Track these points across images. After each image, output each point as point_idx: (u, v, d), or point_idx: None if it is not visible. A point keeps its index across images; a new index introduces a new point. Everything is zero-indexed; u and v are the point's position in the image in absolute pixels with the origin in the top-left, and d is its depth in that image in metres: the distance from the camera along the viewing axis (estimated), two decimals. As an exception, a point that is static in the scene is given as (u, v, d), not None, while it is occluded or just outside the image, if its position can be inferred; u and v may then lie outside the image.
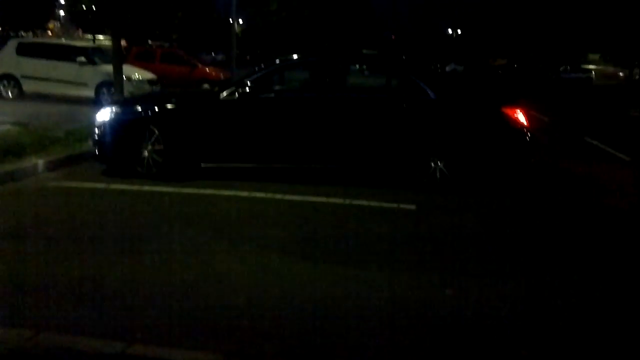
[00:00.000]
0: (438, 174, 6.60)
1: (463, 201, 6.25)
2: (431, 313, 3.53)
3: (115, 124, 6.59)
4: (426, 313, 3.53)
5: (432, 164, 6.60)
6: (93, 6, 10.71)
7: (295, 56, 7.77)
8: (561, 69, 46.37)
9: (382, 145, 6.62)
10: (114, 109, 6.74)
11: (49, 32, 58.43)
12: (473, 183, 6.64)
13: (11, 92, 14.30)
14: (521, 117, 6.69)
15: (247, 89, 6.61)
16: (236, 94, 6.61)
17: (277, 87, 7.19)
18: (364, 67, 8.18)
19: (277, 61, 7.64)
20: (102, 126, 6.65)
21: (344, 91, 6.97)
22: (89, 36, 49.12)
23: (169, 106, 6.71)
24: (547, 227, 5.54)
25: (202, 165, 6.66)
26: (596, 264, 4.57)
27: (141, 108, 6.77)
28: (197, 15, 12.00)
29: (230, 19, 16.80)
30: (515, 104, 6.89)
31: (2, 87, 14.32)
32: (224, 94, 6.66)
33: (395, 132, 6.60)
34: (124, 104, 7.19)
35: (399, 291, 3.81)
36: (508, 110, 6.72)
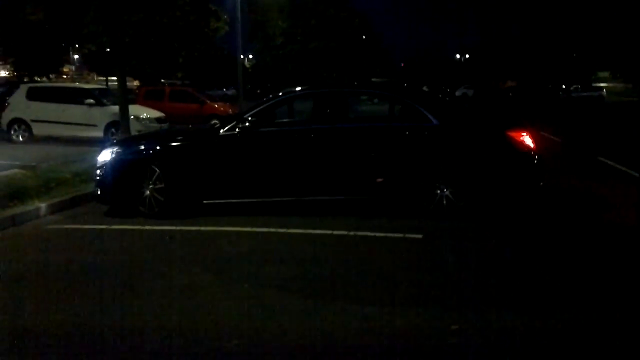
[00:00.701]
0: (444, 201, 6.46)
1: (470, 228, 6.07)
2: (435, 351, 3.36)
3: (116, 165, 6.57)
4: (429, 351, 3.36)
5: (438, 191, 6.46)
6: (101, 48, 10.95)
7: (296, 88, 7.75)
8: (571, 88, 46.13)
9: (386, 174, 6.50)
10: (114, 149, 6.73)
11: (64, 76, 59.78)
12: (480, 209, 6.48)
13: (22, 136, 14.55)
14: (527, 140, 6.55)
15: (247, 124, 6.57)
16: (236, 129, 6.58)
17: (277, 120, 7.14)
18: (363, 97, 8.13)
19: (278, 94, 7.61)
20: (103, 167, 6.64)
21: (345, 121, 6.89)
22: (102, 78, 50.16)
23: (169, 145, 6.70)
24: (559, 254, 5.28)
25: (205, 202, 6.59)
26: (610, 292, 4.34)
27: (141, 148, 6.76)
28: (203, 53, 12.16)
29: (238, 55, 16.97)
30: (521, 126, 6.76)
31: (12, 132, 14.57)
32: (224, 129, 6.62)
33: (399, 160, 6.49)
34: (125, 144, 7.18)
35: (401, 328, 3.64)
36: (513, 134, 6.59)
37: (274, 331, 3.58)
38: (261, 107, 6.85)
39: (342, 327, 3.65)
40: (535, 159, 6.56)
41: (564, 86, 46.83)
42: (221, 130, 6.62)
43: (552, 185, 7.57)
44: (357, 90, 8.08)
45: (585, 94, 44.07)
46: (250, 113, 6.73)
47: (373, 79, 45.93)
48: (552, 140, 14.82)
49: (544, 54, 47.51)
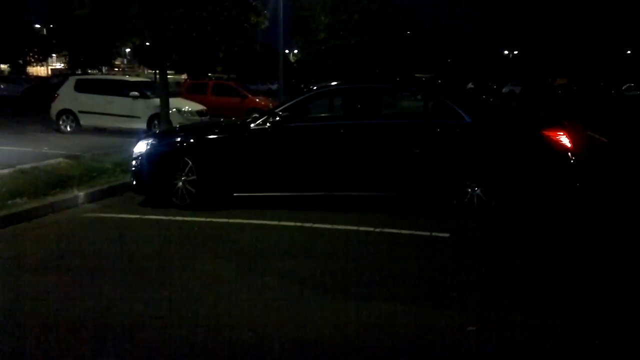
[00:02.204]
0: (475, 200, 6.35)
1: (500, 228, 5.95)
2: (449, 351, 3.33)
3: (151, 156, 6.74)
4: (443, 351, 3.33)
5: (469, 190, 6.36)
6: (143, 42, 11.21)
7: (330, 83, 7.76)
8: (624, 87, 44.38)
9: (417, 172, 6.44)
10: (150, 141, 6.91)
11: (116, 69, 61.64)
12: (512, 209, 6.34)
13: (69, 127, 15.08)
14: (564, 139, 6.36)
15: (278, 118, 6.63)
16: (267, 123, 6.65)
17: (309, 115, 7.16)
18: (396, 93, 8.07)
19: (311, 89, 7.64)
20: (139, 158, 6.82)
21: (376, 117, 6.86)
22: (151, 71, 51.49)
23: (202, 137, 6.82)
24: (589, 257, 5.12)
25: (235, 194, 6.69)
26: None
27: (175, 140, 6.91)
28: (243, 48, 12.31)
29: (279, 50, 17.10)
30: (558, 125, 6.57)
31: (61, 122, 15.12)
32: (255, 123, 6.70)
33: (430, 158, 6.42)
34: (159, 136, 7.36)
35: (418, 326, 3.62)
36: (549, 133, 6.41)
37: (290, 325, 3.62)
38: (292, 101, 6.89)
39: (359, 323, 3.65)
40: (572, 159, 6.36)
41: (621, 86, 45.08)
42: (252, 125, 6.71)
43: (590, 186, 7.33)
44: (388, 86, 8.00)
45: (639, 92, 42.33)
46: (281, 108, 6.79)
47: (417, 75, 45.46)
48: (598, 140, 14.33)
49: (597, 50, 45.84)
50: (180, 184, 6.63)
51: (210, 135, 6.88)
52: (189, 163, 6.61)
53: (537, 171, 6.36)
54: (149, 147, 6.80)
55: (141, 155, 6.80)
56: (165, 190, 6.68)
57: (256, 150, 6.64)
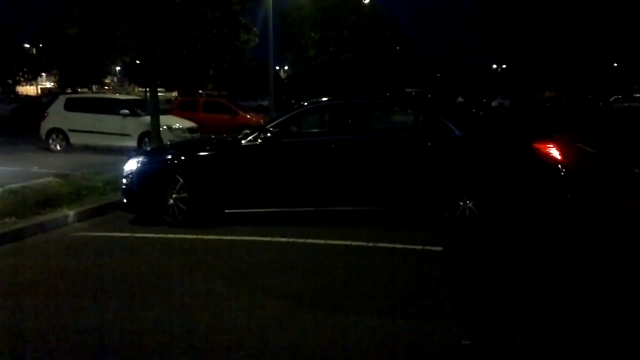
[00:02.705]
0: (467, 213, 6.36)
1: (492, 242, 5.94)
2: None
3: (141, 174, 6.71)
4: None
5: (461, 203, 6.37)
6: (133, 61, 11.20)
7: (321, 99, 7.79)
8: (612, 99, 44.89)
9: (409, 186, 6.45)
10: (140, 159, 6.87)
11: (106, 87, 61.62)
12: (504, 222, 6.35)
13: (59, 145, 15.00)
14: (554, 151, 6.41)
15: (269, 134, 6.63)
16: (258, 139, 6.64)
17: (298, 131, 7.17)
18: (386, 108, 8.11)
19: (301, 105, 7.66)
20: (129, 176, 6.78)
21: (366, 132, 6.88)
22: (141, 89, 51.49)
23: (192, 155, 6.80)
24: (583, 271, 5.11)
25: (226, 211, 6.65)
26: (636, 312, 4.19)
27: (165, 157, 6.89)
28: (233, 65, 12.30)
29: (269, 67, 17.17)
30: (548, 138, 6.62)
31: (51, 141, 15.05)
32: (246, 140, 6.70)
33: (421, 172, 6.43)
34: (150, 154, 7.33)
35: (412, 341, 3.59)
36: (540, 145, 6.45)
37: (282, 342, 3.57)
38: (283, 117, 6.90)
39: (353, 339, 3.62)
40: (562, 171, 6.40)
41: (609, 98, 45.56)
42: (243, 141, 6.70)
43: (580, 198, 7.36)
44: (379, 101, 8.03)
45: (626, 104, 42.82)
46: (272, 124, 6.79)
47: (407, 90, 45.75)
48: (586, 152, 14.44)
49: (584, 64, 46.43)
50: (172, 201, 6.60)
51: (201, 152, 6.86)
52: (179, 180, 6.58)
53: (528, 184, 6.38)
54: (139, 165, 6.77)
55: (132, 173, 6.77)
56: (157, 208, 6.64)
57: (247, 167, 6.63)
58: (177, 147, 7.80)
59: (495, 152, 6.52)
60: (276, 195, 6.62)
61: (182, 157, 6.75)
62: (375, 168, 6.51)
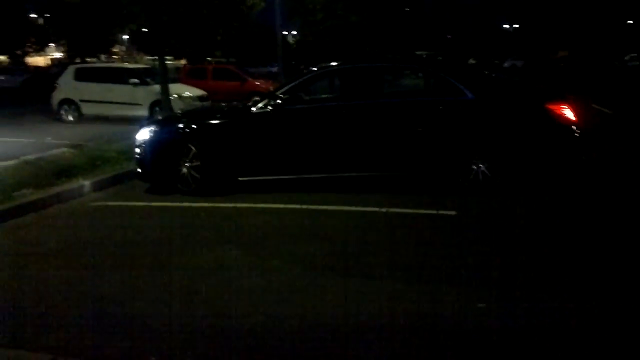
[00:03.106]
0: (480, 177, 6.35)
1: (506, 205, 5.95)
2: (459, 328, 3.35)
3: (154, 143, 6.73)
4: (454, 328, 3.35)
5: (474, 167, 6.35)
6: (140, 28, 11.14)
7: (330, 64, 7.71)
8: (626, 57, 43.94)
9: (421, 150, 6.43)
10: (152, 128, 6.90)
11: (114, 56, 61.27)
12: (518, 184, 6.34)
13: (71, 116, 15.06)
14: (568, 112, 6.33)
15: (279, 100, 6.60)
16: (268, 106, 6.62)
17: (308, 97, 7.12)
18: (397, 71, 8.02)
19: (311, 70, 7.60)
20: (142, 145, 6.82)
21: (378, 97, 6.83)
22: (150, 58, 51.14)
23: (204, 123, 6.81)
24: (595, 234, 5.11)
25: (240, 179, 6.69)
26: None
27: (178, 126, 6.90)
28: (240, 31, 12.17)
29: (277, 32, 16.96)
30: (562, 99, 6.53)
31: (62, 112, 15.11)
32: (256, 107, 6.68)
33: (434, 136, 6.40)
34: (162, 123, 7.34)
35: (426, 305, 3.64)
36: (553, 107, 6.37)
37: (297, 308, 3.64)
38: (293, 83, 6.86)
39: (367, 304, 3.67)
40: (577, 132, 6.33)
41: (623, 57, 44.59)
42: (253, 108, 6.68)
43: (595, 159, 7.30)
44: (389, 65, 7.94)
45: (641, 62, 41.93)
46: (282, 90, 6.76)
47: (417, 52, 45.08)
48: (601, 112, 14.24)
49: (597, 22, 45.31)
50: (185, 170, 6.63)
51: (212, 120, 6.86)
52: (192, 149, 6.60)
53: (541, 145, 6.34)
54: (151, 134, 6.79)
55: (144, 142, 6.79)
56: (170, 176, 6.68)
57: (259, 134, 6.63)
58: (189, 115, 7.80)
59: (508, 114, 6.46)
60: (288, 163, 6.63)
61: (194, 126, 6.76)
62: (387, 133, 6.48)
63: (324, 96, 7.61)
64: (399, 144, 6.46)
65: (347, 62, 7.65)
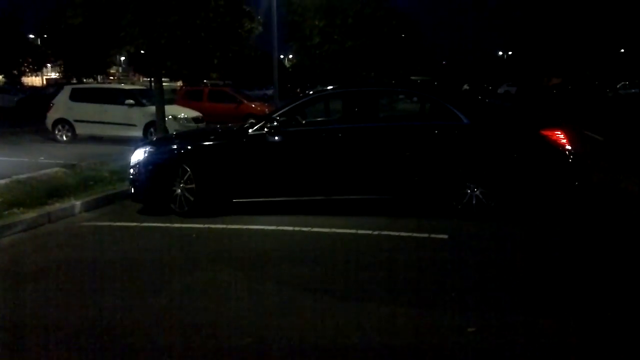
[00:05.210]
0: (474, 201, 6.34)
1: (498, 229, 5.94)
2: (449, 352, 3.31)
3: (149, 164, 6.71)
4: (444, 352, 3.31)
5: (468, 191, 6.35)
6: (138, 50, 11.13)
7: (326, 87, 7.76)
8: (619, 85, 44.50)
9: (416, 174, 6.43)
10: (147, 149, 6.88)
11: (111, 78, 61.54)
12: (511, 209, 6.33)
13: (65, 136, 15.04)
14: (562, 138, 6.37)
15: (275, 123, 6.61)
16: (265, 128, 6.63)
17: (305, 120, 7.15)
18: (393, 96, 8.08)
19: (308, 93, 7.64)
20: (136, 166, 6.79)
21: (373, 120, 6.87)
22: (147, 79, 51.42)
23: (199, 144, 6.80)
24: (587, 257, 5.10)
25: (234, 200, 6.66)
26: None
27: (173, 147, 6.89)
28: (237, 54, 12.22)
29: (273, 55, 17.09)
30: (556, 125, 6.58)
31: (57, 131, 15.09)
32: (253, 129, 6.68)
33: (429, 160, 6.41)
34: (157, 144, 7.32)
35: (417, 328, 3.60)
36: (547, 132, 6.41)
37: (289, 329, 3.59)
38: (290, 106, 6.88)
39: (359, 326, 3.63)
40: (571, 158, 6.36)
41: (616, 85, 45.13)
42: (250, 130, 6.69)
43: (588, 185, 7.32)
44: (386, 89, 8.02)
45: (633, 91, 42.43)
46: (279, 112, 6.77)
47: (412, 77, 45.52)
48: (593, 139, 14.35)
49: (591, 49, 45.96)
50: (179, 191, 6.60)
51: (208, 141, 6.86)
52: (187, 170, 6.58)
53: (536, 171, 6.36)
54: (146, 155, 6.77)
55: (139, 163, 6.77)
56: (164, 197, 6.65)
57: (254, 156, 6.62)
58: (184, 136, 7.79)
59: (503, 139, 6.49)
60: (284, 185, 6.62)
61: (189, 147, 6.75)
62: (382, 156, 6.49)
63: (320, 119, 7.64)
64: (394, 167, 6.46)
65: (344, 85, 7.70)
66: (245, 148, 6.64)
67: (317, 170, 6.58)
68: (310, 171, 6.59)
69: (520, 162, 6.34)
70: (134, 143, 12.22)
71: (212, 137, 7.04)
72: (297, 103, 6.94)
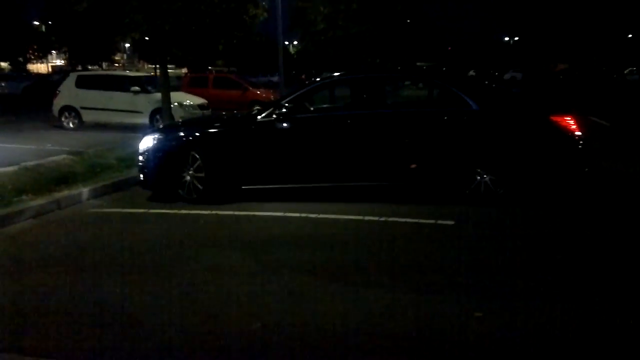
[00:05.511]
0: (483, 187, 6.33)
1: (504, 215, 5.95)
2: (457, 337, 3.34)
3: (158, 151, 6.72)
4: (451, 337, 3.34)
5: (478, 177, 6.33)
6: (143, 37, 11.11)
7: (334, 74, 7.73)
8: (626, 71, 44.12)
9: (425, 160, 6.43)
10: (156, 136, 6.88)
11: (116, 64, 61.43)
12: (520, 195, 6.32)
13: (72, 123, 15.04)
14: (572, 124, 6.34)
15: (284, 110, 6.59)
16: (273, 115, 6.61)
17: (314, 106, 7.12)
18: (402, 82, 8.04)
19: (316, 80, 7.61)
20: (145, 153, 6.80)
21: (382, 107, 6.84)
22: (152, 66, 51.26)
23: (208, 131, 6.80)
24: (595, 244, 5.10)
25: (243, 187, 6.66)
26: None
27: (182, 134, 6.89)
28: (242, 41, 12.20)
29: (278, 42, 16.99)
30: (565, 111, 6.54)
31: (63, 119, 15.09)
32: (262, 115, 6.67)
33: (438, 146, 6.39)
34: (166, 131, 7.33)
35: (424, 314, 3.63)
36: (557, 118, 6.38)
37: (297, 315, 3.63)
38: (298, 93, 6.86)
39: (366, 312, 3.66)
40: (580, 144, 6.34)
41: (623, 70, 44.77)
42: (259, 117, 6.67)
43: (597, 171, 7.29)
44: (395, 75, 7.98)
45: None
46: (288, 99, 6.75)
47: (418, 63, 45.25)
48: (600, 125, 14.27)
49: (598, 35, 45.51)
50: (188, 178, 6.61)
51: (216, 128, 6.86)
52: (196, 157, 6.59)
53: (545, 157, 6.34)
54: (155, 142, 6.78)
55: (148, 150, 6.77)
56: (173, 184, 6.66)
57: (263, 143, 6.62)
58: (193, 123, 7.80)
59: (513, 125, 6.47)
60: (292, 172, 6.62)
61: (198, 134, 6.76)
62: (391, 143, 6.48)
63: (328, 106, 7.61)
64: (404, 154, 6.45)
65: (353, 72, 7.67)
66: (254, 135, 6.63)
67: (326, 157, 6.57)
68: (320, 158, 6.58)
69: (529, 148, 6.32)
70: (140, 130, 12.24)
71: (220, 124, 7.03)
72: (305, 89, 6.92)
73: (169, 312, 3.70)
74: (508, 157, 6.27)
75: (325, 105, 7.55)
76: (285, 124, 6.59)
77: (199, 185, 6.58)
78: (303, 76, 49.96)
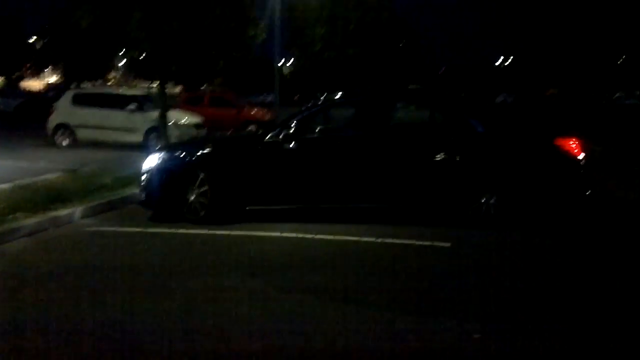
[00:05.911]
0: (486, 209, 6.28)
1: (502, 238, 5.92)
2: (456, 358, 3.31)
3: (162, 170, 6.62)
4: (451, 357, 3.32)
5: (483, 200, 6.28)
6: (144, 55, 11.10)
7: (339, 95, 7.74)
8: (615, 96, 44.67)
9: (430, 182, 6.39)
10: (161, 155, 6.82)
11: (109, 83, 61.46)
12: (523, 217, 6.27)
13: (66, 141, 14.83)
14: (575, 148, 6.35)
15: (291, 130, 6.53)
16: (280, 135, 6.54)
17: (320, 127, 7.04)
18: (406, 104, 8.03)
19: (321, 101, 7.60)
20: (149, 172, 6.69)
21: (388, 129, 6.80)
22: (145, 85, 51.32)
23: (215, 151, 6.75)
24: (592, 265, 5.09)
25: (247, 207, 6.55)
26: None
27: (187, 154, 6.81)
28: (241, 60, 12.21)
29: (275, 62, 17.08)
30: (570, 135, 6.55)
31: (57, 136, 14.89)
32: (268, 136, 6.59)
33: (443, 168, 6.35)
34: (171, 150, 7.26)
35: (422, 335, 3.59)
36: (562, 142, 6.39)
37: (296, 335, 3.57)
38: (304, 114, 6.89)
39: (364, 333, 3.62)
40: (582, 168, 6.33)
41: (611, 95, 45.38)
42: (265, 137, 6.61)
43: (598, 194, 7.27)
44: (400, 97, 7.97)
45: (628, 101, 42.63)
46: (294, 120, 6.68)
47: (410, 86, 45.55)
48: (591, 148, 14.28)
49: (587, 60, 46.13)
50: (193, 197, 6.50)
51: (223, 148, 6.80)
52: (201, 177, 6.49)
53: (549, 180, 6.34)
54: (160, 161, 6.71)
55: (151, 169, 6.67)
56: (177, 204, 6.53)
57: (269, 163, 6.55)
58: (198, 143, 7.75)
59: (518, 148, 6.48)
60: (298, 192, 6.54)
61: (204, 153, 6.69)
62: (397, 164, 6.45)
63: (335, 127, 7.56)
64: (408, 175, 6.42)
65: (359, 94, 7.69)
66: (261, 155, 6.57)
67: (332, 178, 6.50)
68: (326, 179, 6.51)
69: (533, 171, 6.32)
70: (135, 148, 12.12)
71: (226, 144, 6.99)
72: (311, 111, 6.95)
73: (167, 332, 3.61)
74: (512, 178, 6.24)
75: (330, 127, 7.47)
76: (292, 145, 6.52)
77: (204, 205, 6.46)
78: (296, 97, 50.09)
